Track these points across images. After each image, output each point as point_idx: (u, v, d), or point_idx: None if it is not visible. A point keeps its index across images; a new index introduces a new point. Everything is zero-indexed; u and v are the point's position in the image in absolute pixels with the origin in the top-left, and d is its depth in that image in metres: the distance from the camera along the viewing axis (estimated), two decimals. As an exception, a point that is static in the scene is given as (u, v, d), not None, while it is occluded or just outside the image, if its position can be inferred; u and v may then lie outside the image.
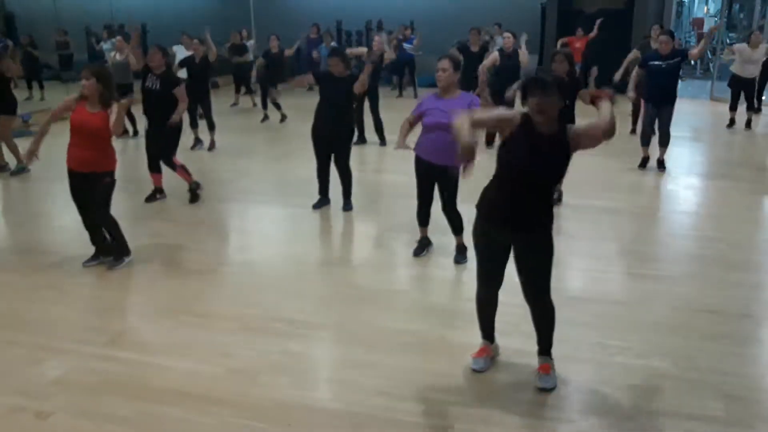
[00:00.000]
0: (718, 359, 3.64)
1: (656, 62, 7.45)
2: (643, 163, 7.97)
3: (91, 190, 4.77)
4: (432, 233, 5.16)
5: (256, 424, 3.11)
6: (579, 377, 3.47)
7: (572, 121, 5.94)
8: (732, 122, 10.60)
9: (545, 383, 3.34)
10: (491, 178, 3.24)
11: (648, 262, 5.14)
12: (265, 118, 11.46)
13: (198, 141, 9.31)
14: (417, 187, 4.98)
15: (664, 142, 7.77)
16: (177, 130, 6.45)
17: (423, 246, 5.16)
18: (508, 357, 3.59)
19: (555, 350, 3.45)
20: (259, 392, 3.35)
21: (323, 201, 6.41)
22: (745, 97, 10.47)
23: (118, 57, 9.82)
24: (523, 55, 8.58)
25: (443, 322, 4.07)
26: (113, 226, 4.90)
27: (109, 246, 5.00)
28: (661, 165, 7.87)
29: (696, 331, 3.94)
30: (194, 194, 6.57)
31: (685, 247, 5.52)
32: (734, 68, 10.53)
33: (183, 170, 6.53)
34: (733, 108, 10.54)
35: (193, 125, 9.22)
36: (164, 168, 6.54)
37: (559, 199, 6.22)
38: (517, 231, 3.20)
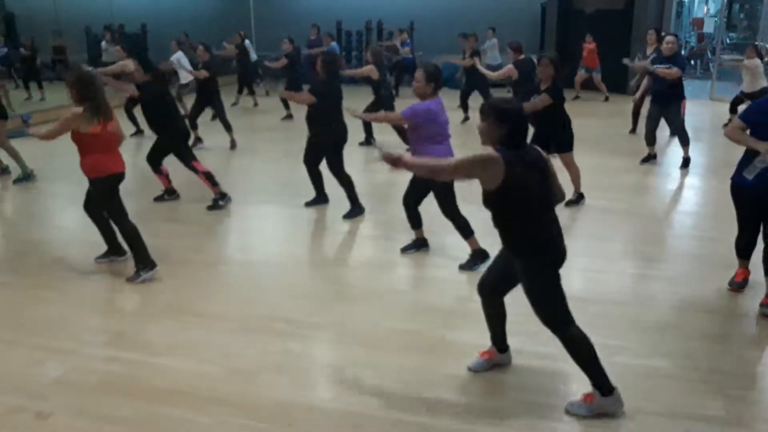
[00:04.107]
0: (718, 359, 3.64)
1: (661, 65, 7.48)
2: (647, 159, 8.05)
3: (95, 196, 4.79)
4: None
5: (256, 424, 3.11)
6: (580, 377, 3.46)
7: (563, 124, 6.04)
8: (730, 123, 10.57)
9: (573, 408, 3.17)
10: None
11: (648, 262, 5.14)
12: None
13: (198, 140, 9.35)
14: (406, 191, 5.00)
15: (684, 141, 7.77)
16: (183, 133, 6.54)
17: (416, 246, 5.19)
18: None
19: (556, 350, 3.44)
20: (259, 392, 3.35)
21: (319, 199, 6.43)
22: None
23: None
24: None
25: (443, 322, 4.07)
26: (130, 234, 4.77)
27: (119, 245, 5.00)
28: (685, 163, 7.86)
29: (696, 331, 3.94)
30: (215, 203, 6.48)
31: (685, 247, 5.52)
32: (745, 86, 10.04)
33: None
34: (733, 111, 10.51)
35: (193, 126, 9.27)
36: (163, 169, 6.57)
37: (577, 202, 6.31)
38: (508, 251, 3.18)
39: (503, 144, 2.95)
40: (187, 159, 6.46)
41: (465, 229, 4.88)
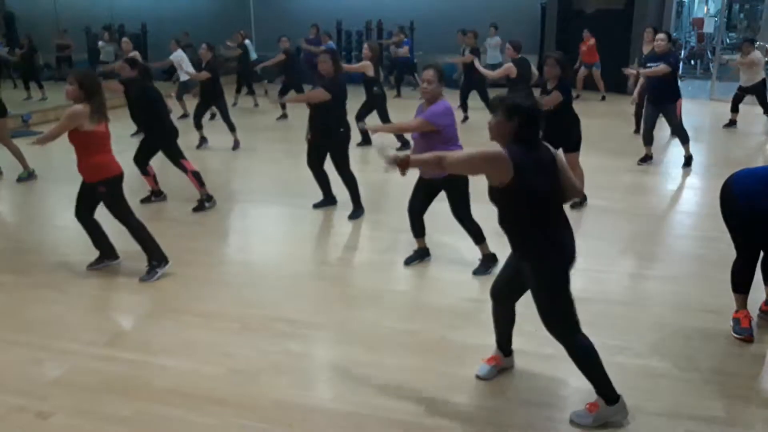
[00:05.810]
0: (718, 359, 3.65)
1: (653, 63, 7.50)
2: (645, 159, 8.03)
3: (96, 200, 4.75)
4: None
5: (256, 424, 3.11)
6: (579, 377, 3.46)
7: (570, 124, 6.01)
8: (732, 122, 10.57)
9: (577, 418, 3.10)
10: None
11: (648, 262, 5.14)
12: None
13: (203, 140, 9.38)
14: (411, 198, 4.89)
15: (684, 140, 7.78)
16: (171, 130, 6.46)
17: (419, 256, 5.05)
18: (508, 357, 3.59)
19: (556, 350, 3.44)
20: (259, 392, 3.35)
21: (327, 201, 6.37)
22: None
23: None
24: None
25: (443, 322, 4.07)
26: (139, 231, 4.75)
27: (112, 248, 4.97)
28: (688, 162, 7.86)
29: (696, 331, 3.94)
30: (201, 204, 6.44)
31: (685, 247, 5.52)
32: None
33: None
34: (735, 110, 10.46)
35: (198, 126, 9.32)
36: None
37: (581, 204, 6.27)
38: (516, 253, 3.12)
39: (513, 141, 2.85)
40: (176, 157, 6.42)
41: (477, 235, 4.79)
